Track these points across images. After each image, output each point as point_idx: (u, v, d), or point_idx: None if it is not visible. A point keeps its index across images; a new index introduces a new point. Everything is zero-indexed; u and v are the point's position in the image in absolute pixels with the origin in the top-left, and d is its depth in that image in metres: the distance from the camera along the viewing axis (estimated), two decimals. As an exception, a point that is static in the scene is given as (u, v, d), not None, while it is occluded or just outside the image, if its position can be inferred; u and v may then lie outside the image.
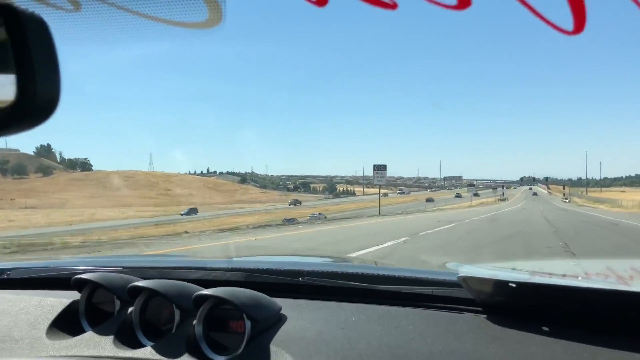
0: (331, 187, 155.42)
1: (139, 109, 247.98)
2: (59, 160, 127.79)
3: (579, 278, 1.36)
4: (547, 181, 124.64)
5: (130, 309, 1.20)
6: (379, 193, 44.47)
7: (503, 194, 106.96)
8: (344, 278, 1.32)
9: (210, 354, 1.08)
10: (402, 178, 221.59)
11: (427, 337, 1.05)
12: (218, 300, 1.11)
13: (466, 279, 1.15)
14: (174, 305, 1.16)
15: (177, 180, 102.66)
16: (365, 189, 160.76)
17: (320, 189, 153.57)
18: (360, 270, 1.38)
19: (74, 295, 1.30)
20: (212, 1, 0.86)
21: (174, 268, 1.51)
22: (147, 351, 1.11)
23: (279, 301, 1.19)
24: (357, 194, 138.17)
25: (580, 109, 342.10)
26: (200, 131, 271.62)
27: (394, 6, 1.05)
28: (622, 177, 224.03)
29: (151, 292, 1.18)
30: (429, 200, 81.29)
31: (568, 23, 0.93)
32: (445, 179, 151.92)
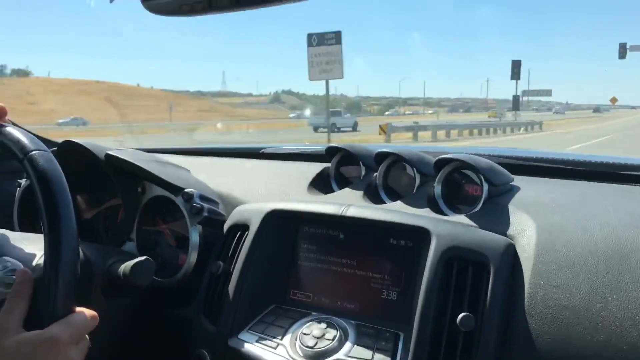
0: (357, 107, 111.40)
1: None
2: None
3: None
4: None
5: (374, 174, 1.35)
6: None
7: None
8: (575, 165, 1.32)
9: (447, 211, 1.15)
10: (449, 99, 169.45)
11: None
12: (458, 164, 1.17)
13: None
14: (414, 170, 1.27)
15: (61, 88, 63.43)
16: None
17: (374, 111, 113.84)
18: (597, 159, 1.34)
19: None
20: None
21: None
22: (390, 206, 1.21)
23: None
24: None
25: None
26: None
27: None
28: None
29: (396, 158, 1.31)
30: None
31: None
32: (524, 93, 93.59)
